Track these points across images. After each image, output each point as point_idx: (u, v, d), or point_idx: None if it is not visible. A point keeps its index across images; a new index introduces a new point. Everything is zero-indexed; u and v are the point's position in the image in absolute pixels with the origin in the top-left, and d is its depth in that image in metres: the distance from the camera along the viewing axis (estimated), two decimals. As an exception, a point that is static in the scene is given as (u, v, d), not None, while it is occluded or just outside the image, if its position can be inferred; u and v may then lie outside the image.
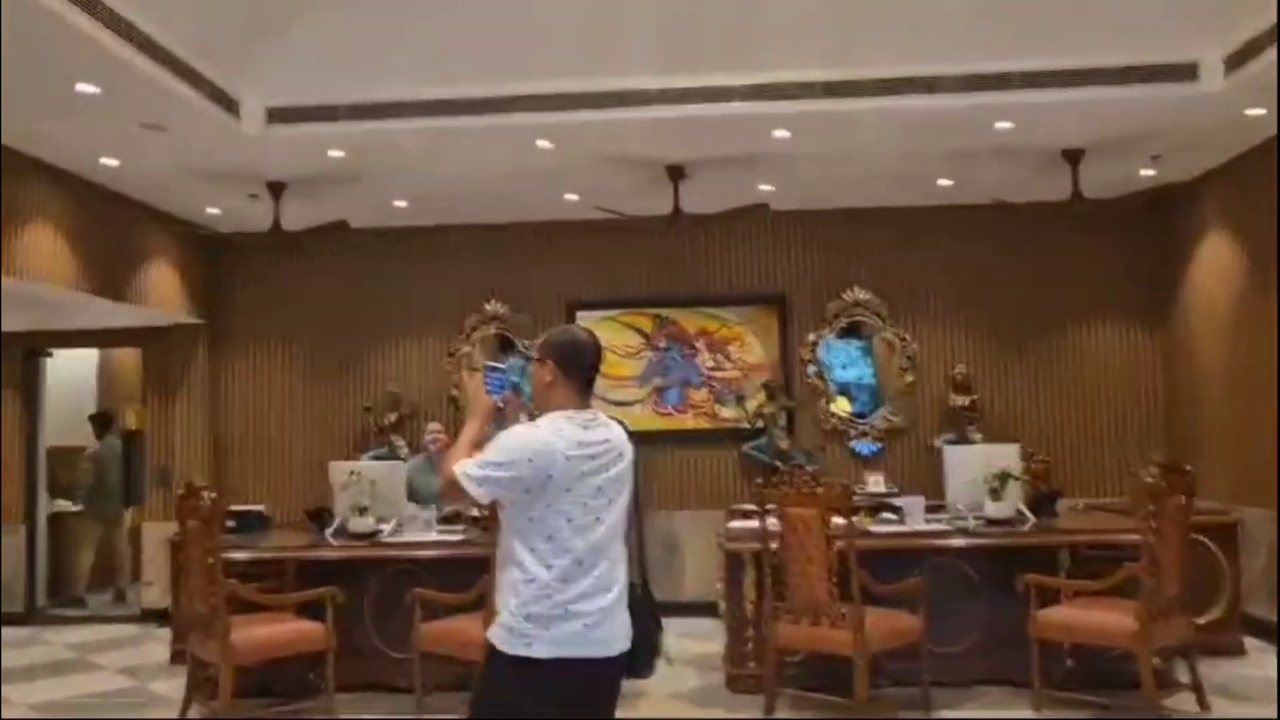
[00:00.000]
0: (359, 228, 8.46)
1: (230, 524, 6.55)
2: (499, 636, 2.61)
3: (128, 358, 9.85)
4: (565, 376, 2.74)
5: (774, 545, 5.45)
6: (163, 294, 8.06)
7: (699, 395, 8.66)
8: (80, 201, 6.99)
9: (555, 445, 2.60)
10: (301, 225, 7.37)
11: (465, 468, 2.62)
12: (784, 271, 8.70)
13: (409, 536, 6.24)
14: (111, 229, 7.36)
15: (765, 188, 7.65)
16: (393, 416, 8.53)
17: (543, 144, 6.56)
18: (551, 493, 2.59)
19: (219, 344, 8.87)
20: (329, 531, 6.29)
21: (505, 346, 8.75)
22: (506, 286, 8.76)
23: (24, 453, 9.02)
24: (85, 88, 5.33)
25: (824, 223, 8.62)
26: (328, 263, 8.78)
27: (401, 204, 8.07)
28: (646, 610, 2.81)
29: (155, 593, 8.49)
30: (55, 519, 9.55)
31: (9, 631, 8.45)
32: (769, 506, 5.49)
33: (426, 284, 8.79)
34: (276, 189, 7.28)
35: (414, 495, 6.71)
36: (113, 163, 6.72)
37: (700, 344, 8.67)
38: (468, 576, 5.41)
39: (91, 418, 9.67)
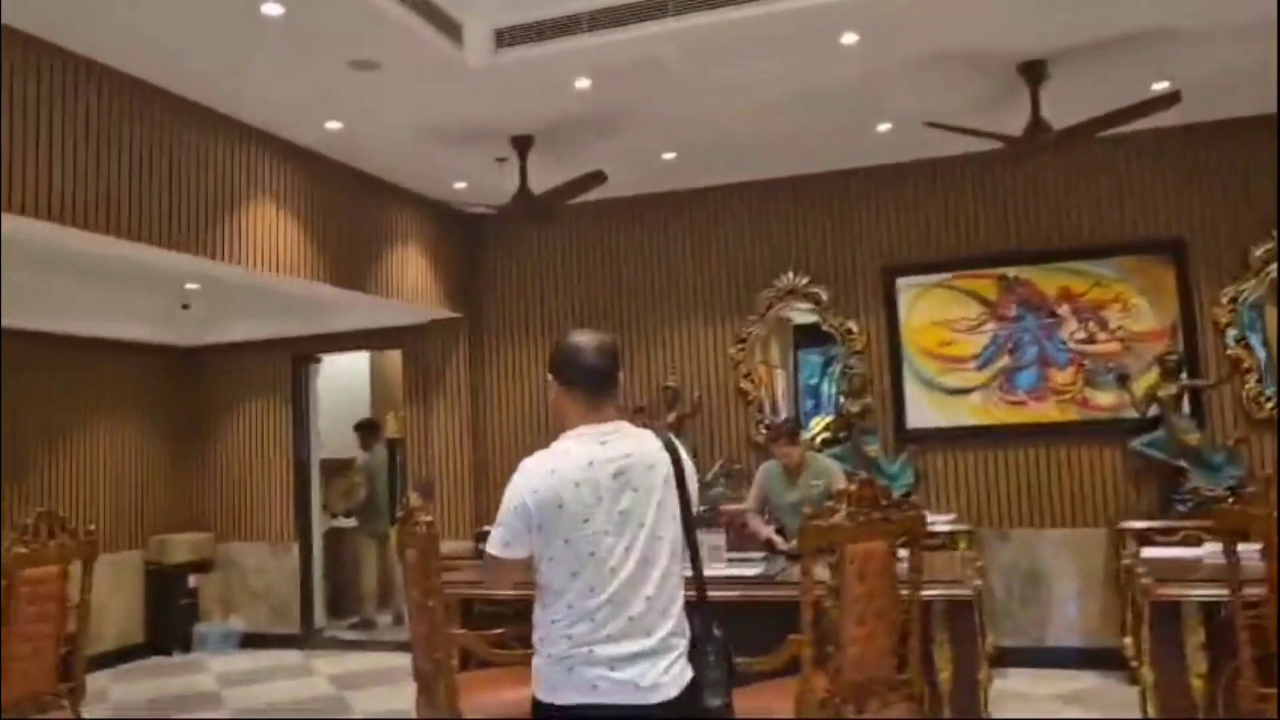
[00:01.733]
0: (622, 196, 7.21)
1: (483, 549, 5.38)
2: (533, 680, 2.39)
3: (396, 361, 9.15)
4: (568, 389, 2.47)
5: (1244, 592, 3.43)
6: (415, 285, 7.12)
7: (1062, 377, 6.57)
8: (313, 181, 6.12)
9: (560, 469, 2.33)
10: (554, 200, 6.12)
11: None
12: (1181, 207, 6.43)
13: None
14: (351, 212, 6.46)
15: (1159, 86, 5.51)
16: (671, 416, 7.11)
17: (847, 39, 4.87)
18: (566, 524, 2.30)
19: (477, 339, 7.85)
20: None
21: (806, 334, 7.09)
22: (805, 254, 7.11)
23: (294, 466, 8.46)
24: (272, 9, 4.29)
25: (1242, 136, 6.29)
26: (588, 237, 7.56)
27: (669, 156, 6.64)
28: (709, 644, 2.44)
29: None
30: (332, 535, 9.00)
31: (277, 656, 7.85)
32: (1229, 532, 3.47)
33: (706, 256, 7.32)
34: (522, 145, 6.06)
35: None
36: (336, 125, 5.77)
37: (1064, 310, 6.58)
38: (769, 627, 3.85)
39: (357, 426, 9.03)
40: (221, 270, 5.75)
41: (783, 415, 6.72)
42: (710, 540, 4.91)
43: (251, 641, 8.27)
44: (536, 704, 2.36)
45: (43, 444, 7.47)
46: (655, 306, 7.41)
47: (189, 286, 7.82)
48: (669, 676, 2.31)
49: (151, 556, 8.23)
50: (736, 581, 4.42)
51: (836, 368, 7.00)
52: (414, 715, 4.40)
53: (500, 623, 4.48)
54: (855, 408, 6.69)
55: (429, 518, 3.96)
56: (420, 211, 7.20)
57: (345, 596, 9.06)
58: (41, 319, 7.42)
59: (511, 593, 4.63)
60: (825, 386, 7.07)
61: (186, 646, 8.12)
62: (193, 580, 8.30)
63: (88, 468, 7.88)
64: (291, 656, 7.88)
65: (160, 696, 6.76)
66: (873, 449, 6.55)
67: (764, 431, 6.80)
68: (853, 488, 3.59)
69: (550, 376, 2.52)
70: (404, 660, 7.50)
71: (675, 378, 7.23)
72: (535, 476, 2.33)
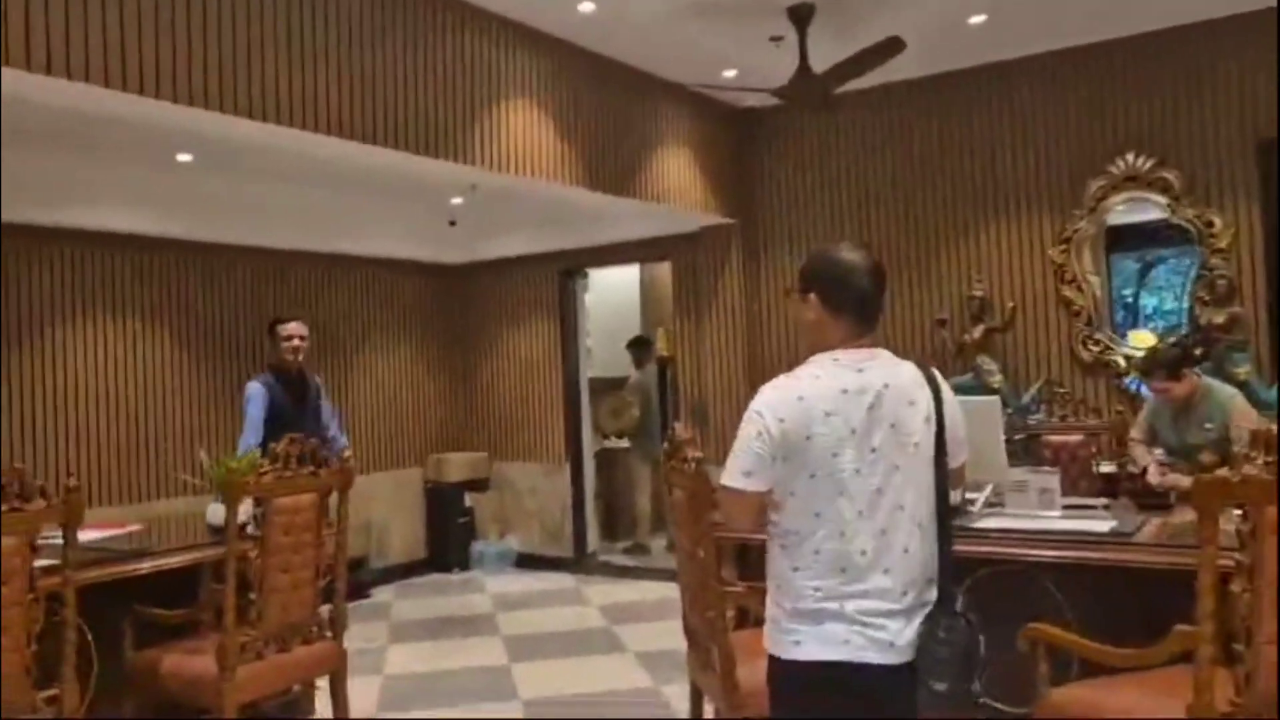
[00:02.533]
0: (916, 77, 6.19)
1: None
2: (766, 635, 2.21)
3: (668, 273, 8.62)
4: (832, 311, 2.18)
5: None
6: (681, 189, 6.47)
7: None
8: (567, 76, 5.57)
9: (810, 396, 2.09)
10: (840, 80, 5.22)
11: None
12: None
13: (1012, 518, 3.84)
14: (610, 109, 5.88)
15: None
16: (977, 331, 6.10)
17: None
18: (815, 457, 2.07)
19: (750, 247, 7.11)
20: None
21: (1120, 235, 5.82)
22: (1146, 131, 5.80)
23: (565, 385, 8.18)
24: None
25: None
26: (875, 127, 6.59)
27: (977, 20, 5.53)
28: (938, 625, 2.10)
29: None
30: (604, 456, 8.71)
31: (550, 579, 7.67)
32: None
33: (1019, 141, 6.16)
34: (801, 16, 5.19)
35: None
36: (588, 7, 5.15)
37: None
38: (1125, 602, 2.97)
39: (630, 343, 8.60)
40: (479, 176, 5.37)
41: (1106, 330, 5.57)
42: (1039, 482, 4.00)
43: (526, 561, 8.17)
44: (774, 662, 2.17)
45: (325, 363, 7.56)
46: (957, 204, 6.36)
47: (454, 201, 7.62)
48: (914, 631, 2.11)
49: (430, 475, 8.27)
50: (1078, 541, 3.49)
51: (1191, 270, 5.71)
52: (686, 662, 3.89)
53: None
54: (1219, 318, 5.40)
55: (697, 453, 3.33)
56: (685, 107, 6.51)
57: (618, 519, 8.79)
58: (322, 239, 7.46)
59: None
60: (1145, 296, 5.83)
61: (465, 564, 8.13)
62: (469, 499, 8.28)
63: (368, 387, 7.95)
64: (564, 581, 7.68)
65: (435, 617, 6.71)
66: (1243, 370, 5.27)
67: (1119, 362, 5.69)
68: (1272, 427, 2.59)
69: (809, 294, 2.21)
70: (672, 592, 7.14)
71: (982, 286, 6.19)
72: (782, 402, 2.11)
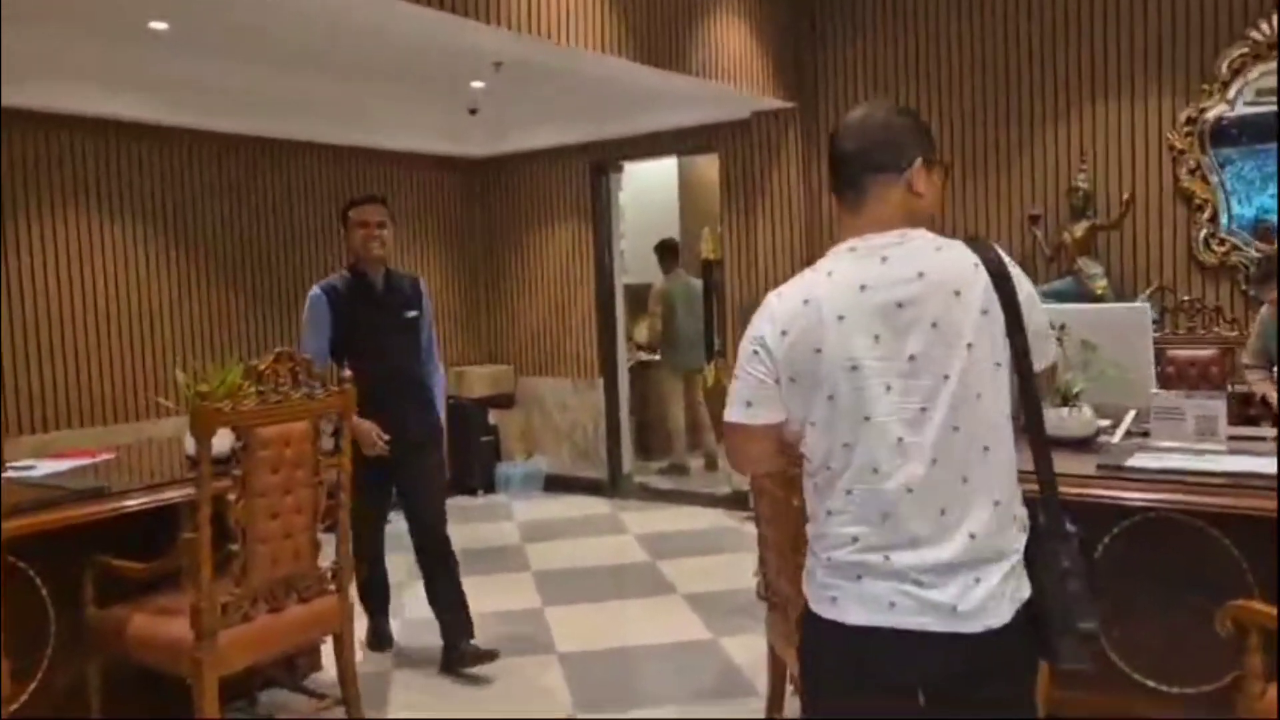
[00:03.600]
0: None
1: None
2: (804, 583, 1.76)
3: (710, 169, 7.77)
4: (836, 194, 1.78)
5: None
6: (736, 64, 5.59)
7: None
8: (606, -84, 4.67)
9: (818, 298, 1.66)
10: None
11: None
12: None
13: (1167, 455, 3.08)
14: (655, -38, 4.98)
15: None
16: (1079, 228, 5.26)
17: None
18: (829, 374, 1.64)
19: (811, 134, 6.24)
20: None
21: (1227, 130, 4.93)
22: (1295, -13, 4.86)
23: (597, 292, 7.42)
24: None
25: None
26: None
27: None
28: (1058, 558, 1.67)
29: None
30: (638, 370, 8.01)
31: (583, 504, 7.03)
32: None
33: (1132, 8, 5.22)
34: None
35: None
36: None
37: None
38: None
39: (656, 248, 7.81)
40: (505, 48, 4.53)
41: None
42: (1197, 408, 3.24)
43: (556, 484, 7.52)
44: (809, 616, 1.74)
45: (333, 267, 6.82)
46: (1055, 81, 5.44)
47: (475, 85, 6.75)
48: (1000, 595, 1.63)
49: (450, 390, 7.57)
50: (1248, 483, 2.73)
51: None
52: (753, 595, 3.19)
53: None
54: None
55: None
56: (741, -32, 5.59)
57: (653, 436, 8.12)
58: (328, 130, 6.66)
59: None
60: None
61: (490, 486, 7.49)
62: (493, 416, 7.60)
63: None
64: (598, 506, 7.04)
65: (457, 549, 6.07)
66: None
67: (1243, 267, 4.87)
68: None
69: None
70: (719, 520, 6.60)
71: (1086, 176, 5.32)
72: (784, 310, 1.69)
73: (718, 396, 7.29)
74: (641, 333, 8.23)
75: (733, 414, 1.75)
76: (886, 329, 1.63)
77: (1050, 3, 5.41)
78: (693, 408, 7.86)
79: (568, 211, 7.44)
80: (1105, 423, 3.40)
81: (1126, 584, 3.00)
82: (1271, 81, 4.90)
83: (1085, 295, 5.05)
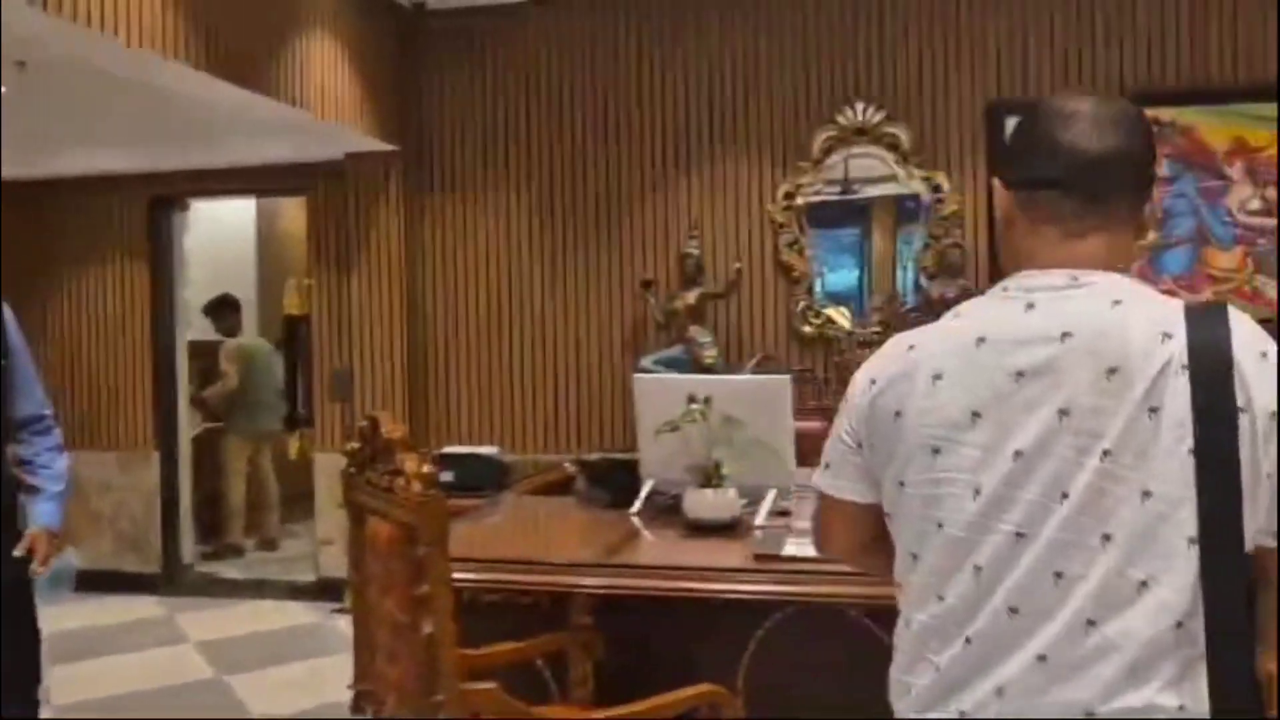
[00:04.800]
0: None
1: (444, 478, 3.52)
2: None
3: (296, 214, 6.95)
4: (1024, 198, 1.24)
5: None
6: (330, 92, 4.92)
7: (1226, 259, 4.92)
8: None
9: (924, 346, 1.23)
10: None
11: None
12: None
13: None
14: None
15: None
16: (691, 295, 5.20)
17: None
18: (905, 451, 1.21)
19: (415, 183, 5.70)
20: (635, 508, 3.15)
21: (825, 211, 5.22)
22: (877, 76, 5.19)
23: (153, 349, 6.26)
24: None
25: None
26: (577, 37, 5.45)
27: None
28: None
29: (334, 554, 5.67)
30: (205, 440, 6.89)
31: (129, 605, 5.81)
32: None
33: (742, 68, 5.31)
34: None
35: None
36: None
37: (1235, 168, 4.89)
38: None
39: (210, 305, 6.86)
40: (39, 26, 3.53)
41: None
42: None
43: (93, 582, 6.13)
44: None
45: None
46: (671, 139, 5.39)
47: (-9, 88, 5.43)
48: None
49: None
50: None
51: (916, 239, 5.19)
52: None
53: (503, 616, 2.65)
54: (950, 291, 4.89)
55: (426, 465, 2.01)
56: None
57: (215, 515, 7.01)
58: None
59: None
60: (851, 269, 5.31)
61: (2, 590, 5.96)
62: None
63: None
64: (149, 607, 5.85)
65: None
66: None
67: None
68: None
69: (996, 177, 1.29)
70: (303, 615, 5.71)
71: (697, 243, 5.28)
72: (887, 355, 1.26)
73: (300, 471, 6.43)
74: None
75: (815, 476, 1.38)
76: (995, 405, 1.16)
77: (668, 62, 5.37)
78: (258, 481, 6.93)
79: (117, 253, 6.23)
80: (744, 503, 3.19)
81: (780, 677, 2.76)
82: (852, 169, 5.17)
83: (695, 364, 4.97)
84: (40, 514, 2.55)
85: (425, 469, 1.97)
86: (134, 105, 5.61)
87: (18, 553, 2.47)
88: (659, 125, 5.39)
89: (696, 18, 5.32)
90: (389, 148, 5.53)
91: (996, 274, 3.80)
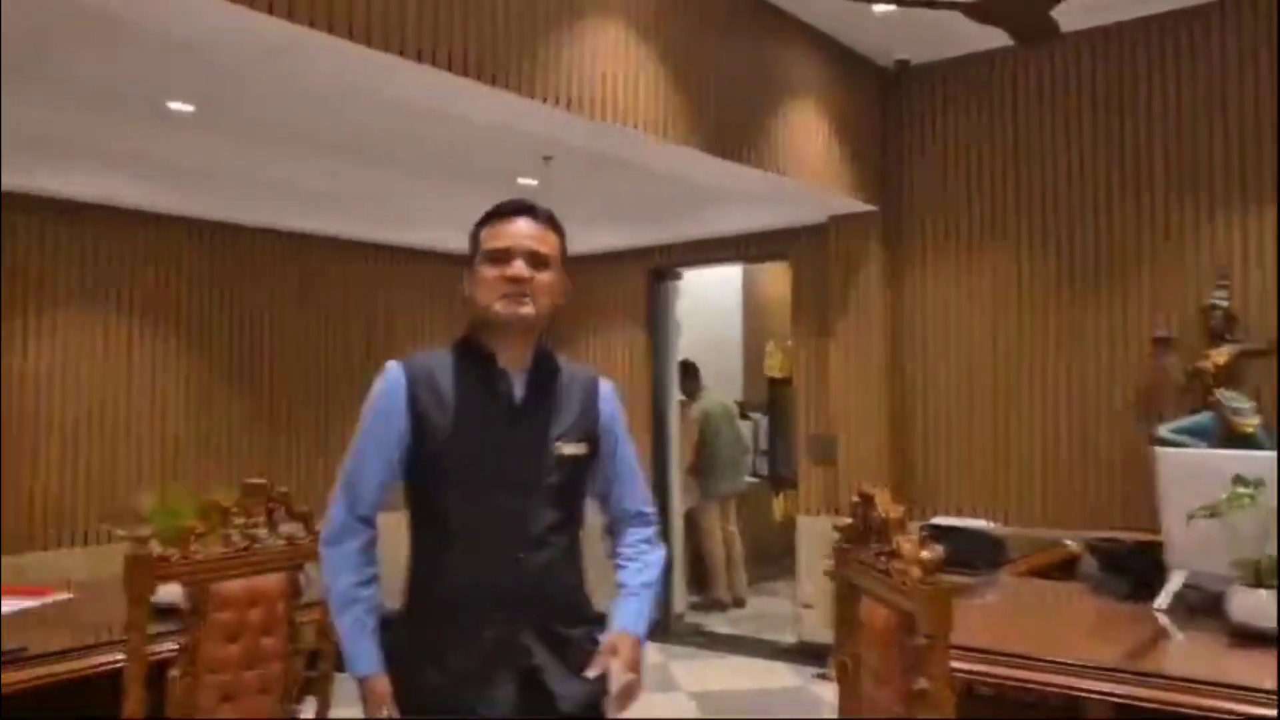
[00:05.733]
0: (1151, 13, 4.65)
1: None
2: None
3: (779, 278, 7.16)
4: None
5: None
6: (816, 161, 4.99)
7: None
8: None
9: None
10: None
11: None
12: None
13: None
14: (726, 48, 4.44)
15: None
16: (1221, 354, 4.49)
17: None
18: None
19: (896, 243, 5.57)
20: (1161, 603, 2.75)
21: None
22: None
23: (651, 409, 6.74)
24: None
25: None
26: (1077, 79, 5.01)
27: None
28: None
29: (815, 618, 5.65)
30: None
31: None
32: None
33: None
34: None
35: None
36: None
37: None
38: None
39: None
40: (557, 133, 3.99)
41: None
42: None
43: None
44: None
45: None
46: (1183, 188, 4.75)
47: (523, 183, 6.26)
48: None
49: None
50: None
51: None
52: None
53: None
54: None
55: (928, 551, 1.86)
56: (818, 55, 5.04)
57: (697, 572, 7.32)
58: (362, 225, 6.18)
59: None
60: None
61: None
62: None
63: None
64: (649, 652, 6.21)
65: None
66: None
67: None
68: None
69: None
70: (782, 678, 5.74)
71: (1225, 293, 4.57)
72: None
73: (783, 531, 6.53)
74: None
75: None
76: None
77: (1191, 92, 4.77)
78: (726, 539, 7.17)
79: (623, 321, 6.82)
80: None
81: None
82: None
83: (1228, 433, 4.27)
84: (621, 614, 2.01)
85: (926, 554, 1.82)
86: (633, 189, 6.19)
87: (591, 673, 1.92)
88: (1164, 165, 4.76)
89: (1228, 38, 4.65)
90: (869, 208, 5.48)
91: None
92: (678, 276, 6.90)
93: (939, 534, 3.69)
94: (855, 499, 2.16)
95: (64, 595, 3.28)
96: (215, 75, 4.03)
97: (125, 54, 3.70)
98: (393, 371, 1.98)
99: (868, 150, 5.42)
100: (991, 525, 4.16)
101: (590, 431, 2.05)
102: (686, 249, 6.57)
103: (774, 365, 6.95)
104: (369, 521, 1.95)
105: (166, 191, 5.28)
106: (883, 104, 5.54)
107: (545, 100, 3.58)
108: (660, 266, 6.74)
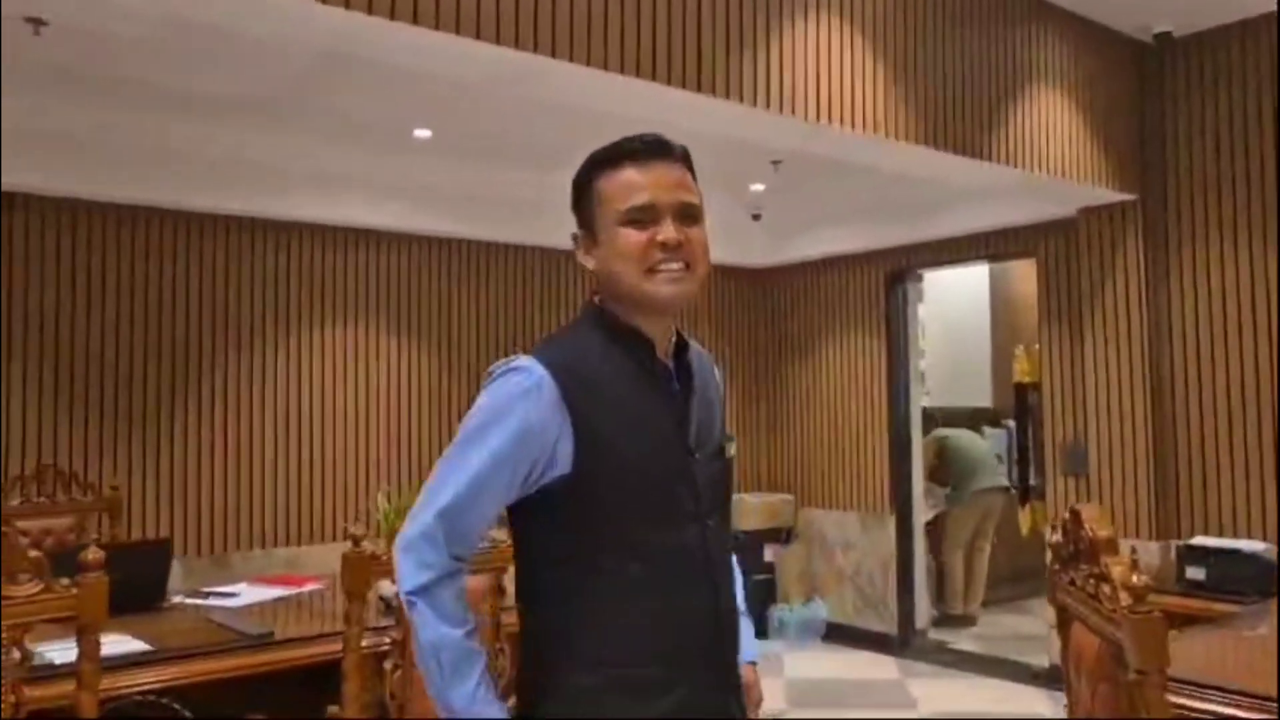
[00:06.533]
0: None
1: (1192, 574, 3.01)
2: None
3: (1026, 277, 6.73)
4: None
5: None
6: (1062, 152, 4.64)
7: None
8: (895, -18, 3.99)
9: None
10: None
11: None
12: None
13: None
14: (960, 39, 4.22)
15: None
16: None
17: None
18: None
19: (1156, 234, 5.07)
20: None
21: None
22: None
23: (890, 415, 6.50)
24: None
25: None
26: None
27: None
28: None
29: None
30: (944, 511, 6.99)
31: (866, 660, 5.99)
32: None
33: None
34: None
35: None
36: None
37: None
38: None
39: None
40: (789, 134, 3.94)
41: None
42: None
43: (836, 634, 6.58)
44: None
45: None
46: None
47: (754, 188, 6.25)
48: None
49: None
50: None
51: None
52: None
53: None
54: None
55: (1138, 578, 1.66)
56: (1064, 34, 4.69)
57: (941, 585, 6.99)
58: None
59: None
60: None
61: (763, 632, 6.66)
62: (769, 553, 6.80)
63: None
64: (883, 667, 6.00)
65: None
66: None
67: None
68: None
69: None
70: (1030, 703, 5.33)
71: None
72: None
73: (1033, 546, 6.14)
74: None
75: None
76: None
77: None
78: (972, 553, 6.83)
79: (858, 326, 6.65)
80: None
81: None
82: None
83: None
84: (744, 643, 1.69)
85: (1136, 579, 1.63)
86: (864, 190, 6.04)
87: (753, 715, 1.70)
88: None
89: None
90: (1126, 197, 5.03)
91: None
92: (918, 279, 6.63)
93: (1198, 554, 3.32)
94: (1064, 516, 1.97)
95: (316, 585, 3.59)
96: (450, 101, 4.28)
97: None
98: (535, 371, 1.47)
99: (1124, 135, 4.98)
100: (1264, 547, 3.69)
101: (723, 421, 1.73)
102: (925, 249, 6.29)
103: (1022, 370, 6.52)
104: (465, 562, 1.53)
105: (409, 212, 5.66)
106: (1141, 83, 5.07)
107: (790, 113, 3.56)
108: (898, 268, 6.50)
